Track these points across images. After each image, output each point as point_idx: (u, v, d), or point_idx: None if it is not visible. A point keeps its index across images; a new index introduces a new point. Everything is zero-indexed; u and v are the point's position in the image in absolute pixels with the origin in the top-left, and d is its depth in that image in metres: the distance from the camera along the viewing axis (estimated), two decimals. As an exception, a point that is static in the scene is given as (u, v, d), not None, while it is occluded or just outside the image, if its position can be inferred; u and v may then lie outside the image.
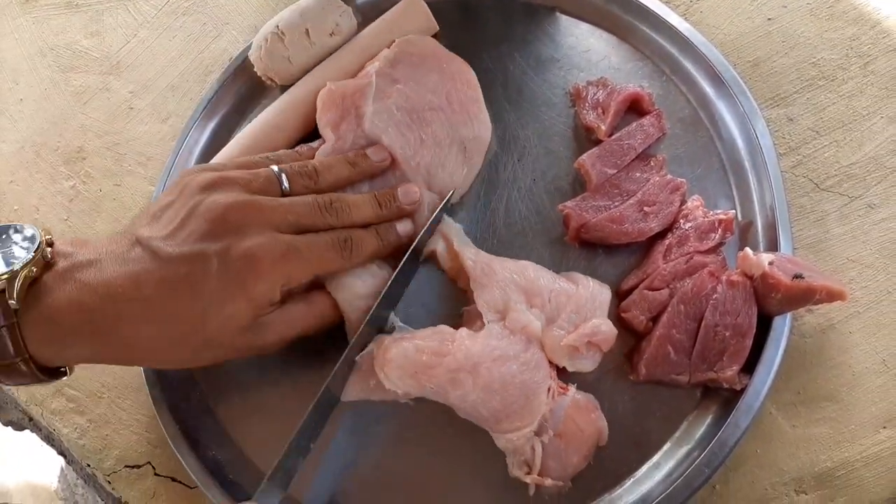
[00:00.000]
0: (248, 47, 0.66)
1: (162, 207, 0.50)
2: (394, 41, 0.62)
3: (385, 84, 0.60)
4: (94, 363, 0.50)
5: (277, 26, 0.62)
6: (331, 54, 0.64)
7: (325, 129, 0.59)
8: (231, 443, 0.56)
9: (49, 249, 0.47)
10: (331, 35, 0.63)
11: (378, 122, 0.59)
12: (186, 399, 0.57)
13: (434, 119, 0.60)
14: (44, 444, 0.64)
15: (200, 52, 0.73)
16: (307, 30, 0.62)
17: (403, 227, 0.56)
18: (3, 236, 0.47)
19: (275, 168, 0.53)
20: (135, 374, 0.59)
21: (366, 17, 0.65)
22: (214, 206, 0.49)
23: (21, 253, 0.46)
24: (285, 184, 0.53)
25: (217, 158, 0.61)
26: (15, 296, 0.44)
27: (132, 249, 0.48)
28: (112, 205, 0.68)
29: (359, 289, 0.54)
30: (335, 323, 0.54)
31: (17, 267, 0.45)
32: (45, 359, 0.47)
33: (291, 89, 0.63)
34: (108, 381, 0.60)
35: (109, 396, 0.60)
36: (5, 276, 0.45)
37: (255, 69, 0.64)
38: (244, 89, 0.68)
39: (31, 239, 0.47)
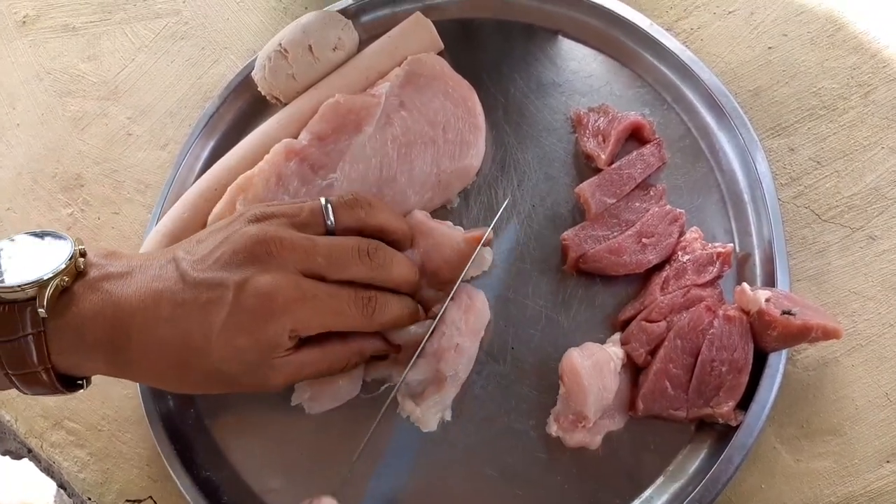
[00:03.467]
0: (248, 66, 0.70)
1: (209, 232, 0.53)
2: (405, 58, 0.66)
3: (391, 107, 0.64)
4: (111, 376, 0.53)
5: (280, 44, 0.66)
6: (335, 70, 0.68)
7: (306, 133, 0.63)
8: (227, 465, 0.60)
9: (82, 260, 0.51)
10: (334, 50, 0.67)
11: (368, 147, 0.63)
12: (184, 421, 0.62)
13: (420, 155, 0.64)
14: (42, 474, 0.68)
15: (199, 77, 0.77)
16: (310, 45, 0.66)
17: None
18: (36, 244, 0.51)
19: (322, 200, 0.55)
20: (135, 407, 0.63)
21: (370, 34, 0.70)
22: (246, 236, 0.51)
23: (53, 261, 0.49)
24: (331, 217, 0.54)
25: (214, 169, 0.65)
26: (45, 304, 0.47)
27: (165, 266, 0.51)
28: (111, 233, 0.72)
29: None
30: (348, 371, 0.57)
31: (48, 276, 0.48)
32: (66, 369, 0.50)
33: (295, 101, 0.67)
34: (109, 414, 0.64)
35: (110, 430, 0.64)
36: (35, 284, 0.48)
37: (258, 89, 0.68)
38: (245, 106, 0.73)
39: (64, 248, 0.50)
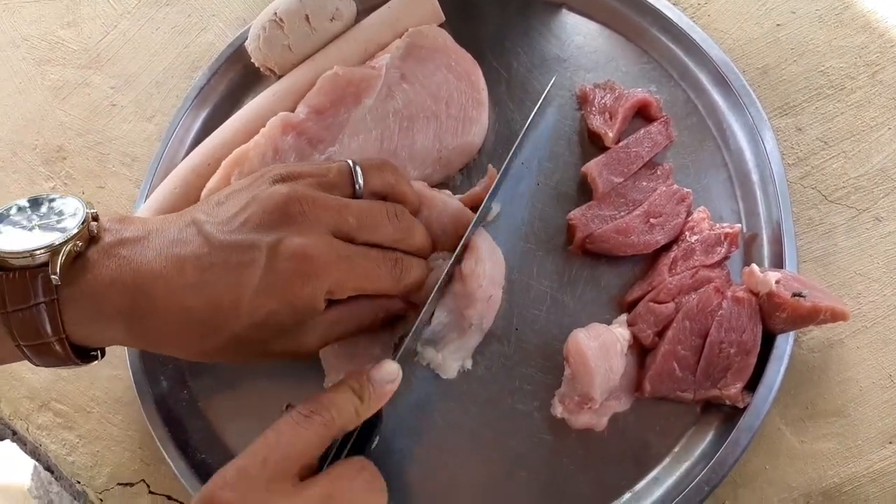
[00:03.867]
0: (240, 35, 0.68)
1: (228, 194, 0.51)
2: (406, 30, 0.64)
3: (392, 79, 0.63)
4: (128, 346, 0.51)
5: (276, 13, 0.64)
6: (332, 41, 0.66)
7: (303, 106, 0.62)
8: (223, 447, 0.59)
9: (95, 224, 0.48)
10: (332, 20, 0.65)
11: (369, 119, 0.62)
12: (177, 403, 0.61)
13: (422, 129, 0.63)
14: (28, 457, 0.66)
15: (186, 45, 0.75)
16: (307, 15, 0.64)
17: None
18: (44, 208, 0.48)
19: (350, 161, 0.54)
20: (126, 388, 0.62)
21: (368, 6, 0.67)
22: (276, 195, 0.49)
23: (65, 226, 0.47)
24: (359, 178, 0.53)
25: (206, 143, 0.63)
26: (58, 271, 0.45)
27: (185, 230, 0.49)
28: (97, 208, 0.68)
29: None
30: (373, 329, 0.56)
31: (60, 240, 0.45)
32: (81, 339, 0.47)
33: (291, 73, 0.65)
34: (98, 396, 0.63)
35: (99, 411, 0.63)
36: (48, 249, 0.45)
37: (252, 60, 0.66)
38: (238, 78, 0.71)
39: (75, 212, 0.48)
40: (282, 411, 0.48)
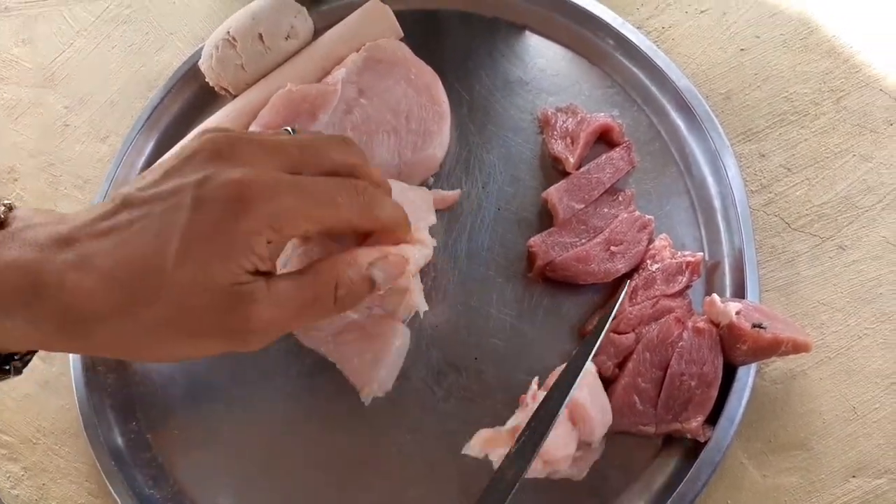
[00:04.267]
0: (197, 53, 0.67)
1: (157, 164, 0.44)
2: (363, 45, 0.63)
3: (349, 94, 0.62)
4: (31, 346, 0.43)
5: (228, 32, 0.63)
6: (288, 60, 0.65)
7: (256, 126, 0.60)
8: (172, 481, 0.58)
9: (7, 212, 0.42)
10: (286, 39, 0.64)
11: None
12: (125, 435, 0.59)
13: (381, 144, 0.61)
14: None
15: (143, 64, 0.73)
16: (260, 34, 0.63)
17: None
18: None
19: (288, 128, 0.48)
20: (73, 419, 0.60)
21: (326, 23, 0.66)
22: (203, 140, 0.42)
23: None
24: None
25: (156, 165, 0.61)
26: None
27: (103, 206, 0.41)
28: (46, 231, 0.68)
29: None
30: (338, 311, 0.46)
31: None
32: None
33: (246, 93, 0.64)
34: (45, 426, 0.61)
35: (46, 443, 0.61)
36: None
37: (206, 79, 0.65)
38: (192, 97, 0.69)
39: None
40: None
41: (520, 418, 0.50)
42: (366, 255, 0.46)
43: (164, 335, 0.41)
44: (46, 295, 0.39)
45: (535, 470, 0.51)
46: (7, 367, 0.44)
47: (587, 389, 0.51)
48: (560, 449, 0.50)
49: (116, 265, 0.39)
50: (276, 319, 0.42)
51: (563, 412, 0.50)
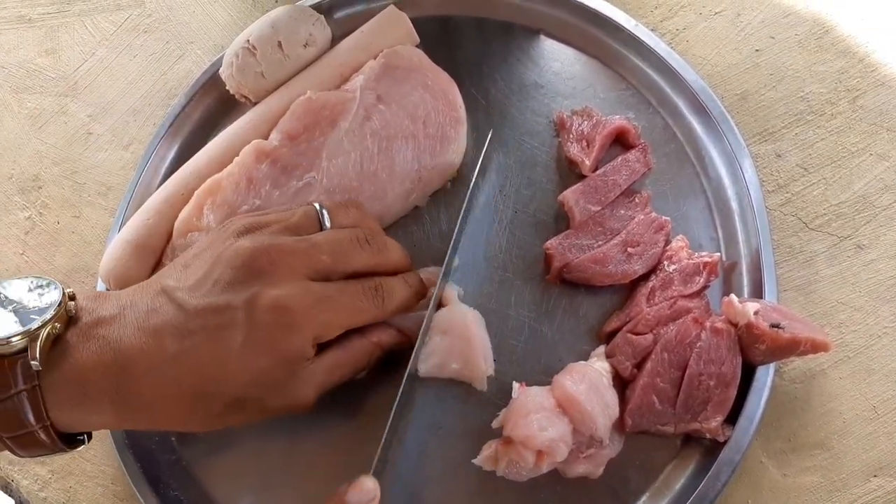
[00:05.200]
0: (217, 61, 0.68)
1: (194, 255, 0.51)
2: (380, 51, 0.64)
3: (368, 101, 0.62)
4: (119, 429, 0.49)
5: (248, 40, 0.64)
6: (306, 67, 0.66)
7: (277, 133, 0.61)
8: (195, 483, 0.58)
9: (72, 304, 0.47)
10: (305, 46, 0.65)
11: (346, 143, 0.61)
12: (149, 438, 0.60)
13: (400, 149, 0.62)
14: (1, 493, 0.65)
15: (163, 73, 0.75)
16: (280, 42, 0.64)
17: (426, 275, 0.58)
18: (21, 293, 0.47)
19: (316, 204, 0.54)
20: (97, 423, 0.61)
21: (344, 31, 0.67)
22: (241, 251, 0.48)
23: (41, 309, 0.45)
24: (326, 221, 0.54)
25: (182, 171, 0.63)
26: (37, 356, 0.43)
27: (156, 300, 0.48)
28: (71, 238, 0.69)
29: None
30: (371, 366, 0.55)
31: (38, 324, 0.44)
32: (67, 425, 0.46)
33: (266, 100, 0.65)
34: (69, 431, 0.62)
35: (71, 446, 0.62)
36: (25, 334, 0.44)
37: (227, 87, 0.66)
38: (213, 105, 0.70)
39: (51, 292, 0.46)
40: None
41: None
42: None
43: (227, 418, 0.49)
44: (129, 396, 0.46)
45: (531, 465, 0.51)
46: (81, 437, 0.49)
47: (584, 384, 0.52)
48: (535, 431, 0.51)
49: (185, 376, 0.46)
50: (324, 386, 0.51)
51: (551, 400, 0.52)
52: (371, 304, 0.52)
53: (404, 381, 0.54)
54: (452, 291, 0.59)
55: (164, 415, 0.48)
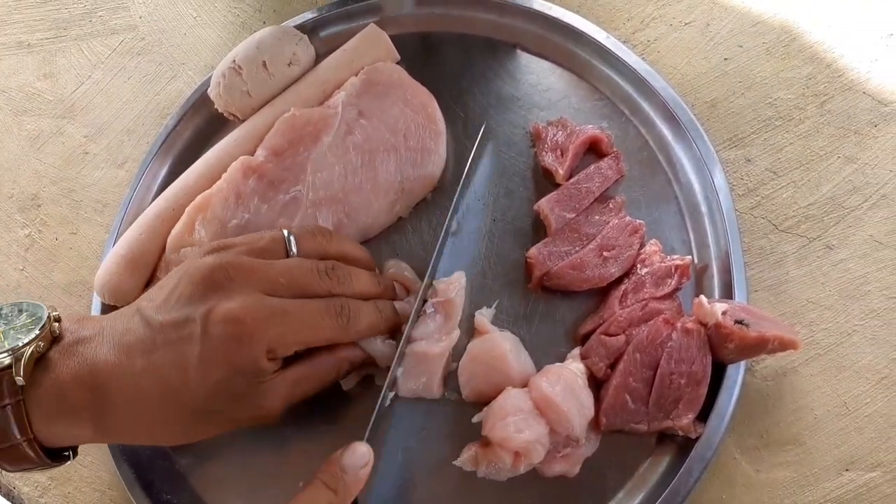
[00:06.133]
0: (206, 81, 0.70)
1: (169, 275, 0.53)
2: (361, 68, 0.66)
3: (350, 116, 0.65)
4: (99, 442, 0.52)
5: (234, 60, 0.66)
6: (291, 85, 0.68)
7: (262, 149, 0.63)
8: (188, 488, 0.60)
9: (57, 325, 0.50)
10: (289, 65, 0.67)
11: (330, 157, 0.64)
12: (144, 446, 0.61)
13: (383, 162, 0.65)
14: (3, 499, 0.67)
15: (156, 93, 0.77)
16: (264, 62, 0.66)
17: (401, 305, 0.60)
18: (10, 315, 0.50)
19: (285, 231, 0.56)
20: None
21: (327, 49, 0.70)
22: (202, 266, 0.51)
23: (29, 329, 0.48)
24: (293, 247, 0.55)
25: (172, 188, 0.65)
26: (21, 372, 0.46)
27: (131, 320, 0.50)
28: (69, 254, 0.72)
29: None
30: (339, 379, 0.57)
31: (23, 342, 0.47)
32: (51, 439, 0.48)
33: (251, 118, 0.67)
34: (66, 439, 0.64)
35: (69, 454, 0.64)
36: (10, 351, 0.47)
37: (215, 106, 0.68)
38: (203, 123, 0.73)
39: (38, 315, 0.49)
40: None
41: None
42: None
43: (198, 430, 0.52)
44: (105, 410, 0.48)
45: (509, 466, 0.53)
46: (66, 453, 0.51)
47: (560, 385, 0.54)
48: (512, 433, 0.52)
49: (152, 387, 0.48)
50: (288, 400, 0.52)
51: (529, 402, 0.54)
52: (333, 323, 0.53)
53: (376, 409, 0.56)
54: (484, 319, 0.60)
55: (136, 428, 0.51)
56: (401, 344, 0.57)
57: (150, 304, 0.51)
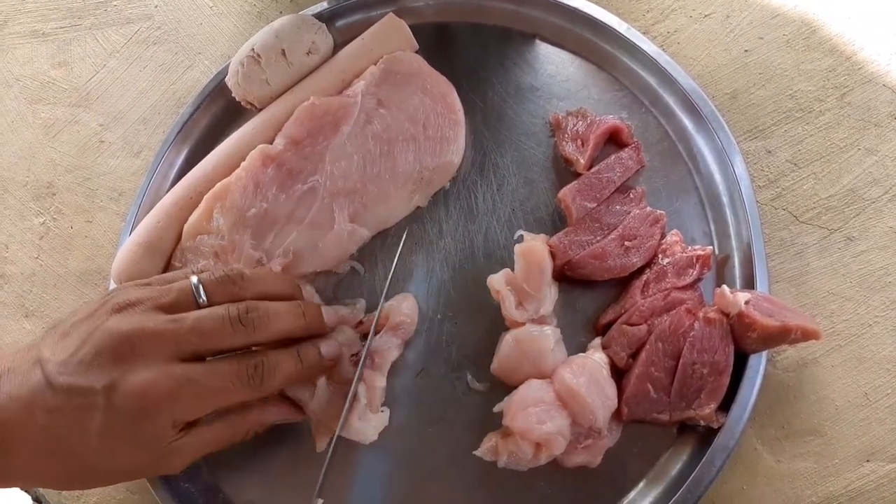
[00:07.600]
0: (223, 70, 0.70)
1: (73, 324, 0.50)
2: (380, 58, 0.66)
3: (369, 105, 0.65)
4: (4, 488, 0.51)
5: (253, 49, 0.66)
6: (309, 74, 0.68)
7: (281, 138, 0.63)
8: (206, 476, 0.60)
9: None
10: (308, 54, 0.67)
11: (348, 146, 0.63)
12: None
13: (402, 151, 0.64)
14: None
15: (172, 83, 0.77)
16: (283, 50, 0.66)
17: (327, 348, 0.56)
18: None
19: (194, 279, 0.53)
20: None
21: (345, 38, 0.69)
22: (107, 333, 0.48)
23: None
24: (202, 297, 0.52)
25: (190, 175, 0.65)
26: None
27: (32, 370, 0.48)
28: (84, 242, 0.71)
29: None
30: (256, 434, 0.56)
31: None
32: None
33: (270, 106, 0.67)
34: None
35: (84, 442, 0.63)
36: None
37: (233, 94, 0.68)
38: (220, 112, 0.72)
39: None
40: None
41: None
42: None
43: (101, 482, 0.53)
44: (3, 461, 0.47)
45: (530, 456, 0.53)
46: None
47: (584, 377, 0.53)
48: (534, 424, 0.52)
49: (54, 448, 0.48)
50: (196, 456, 0.52)
51: (551, 393, 0.54)
52: (243, 386, 0.51)
53: (331, 448, 0.56)
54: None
55: (36, 476, 0.50)
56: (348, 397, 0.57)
57: (53, 359, 0.48)
